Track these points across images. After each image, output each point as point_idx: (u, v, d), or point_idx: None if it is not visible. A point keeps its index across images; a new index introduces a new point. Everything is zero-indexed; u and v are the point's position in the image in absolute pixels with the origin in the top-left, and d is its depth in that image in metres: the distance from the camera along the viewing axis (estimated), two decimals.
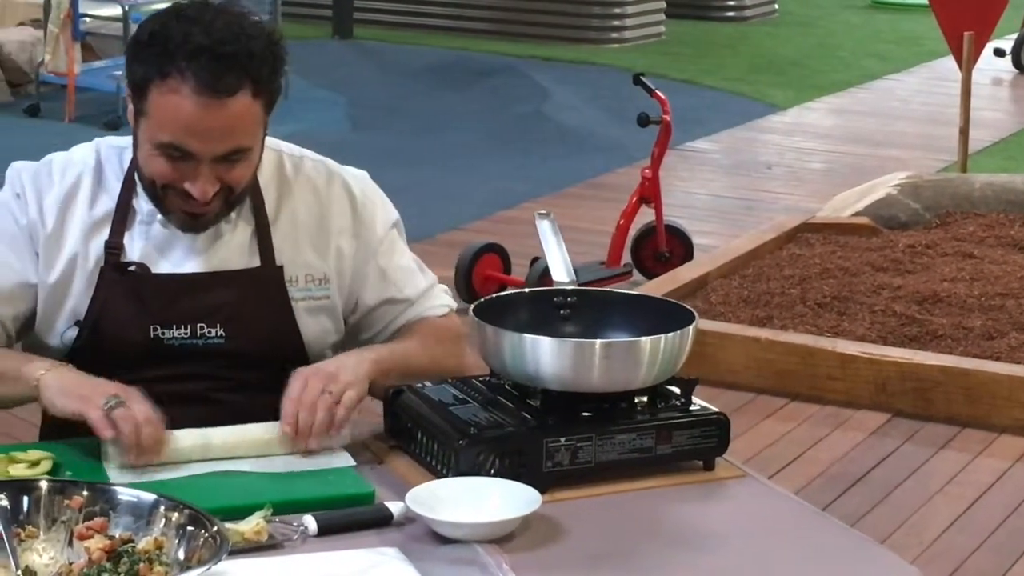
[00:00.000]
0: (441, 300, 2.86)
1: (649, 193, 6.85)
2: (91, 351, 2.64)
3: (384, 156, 9.10)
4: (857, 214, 7.42)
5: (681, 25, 14.54)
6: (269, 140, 2.75)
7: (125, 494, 2.11)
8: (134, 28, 9.77)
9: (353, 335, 2.81)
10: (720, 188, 8.97)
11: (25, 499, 2.08)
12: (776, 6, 16.34)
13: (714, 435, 2.57)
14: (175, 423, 2.51)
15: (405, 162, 9.00)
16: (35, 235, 2.66)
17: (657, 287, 6.36)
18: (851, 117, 11.14)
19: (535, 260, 6.46)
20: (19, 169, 2.71)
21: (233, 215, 2.68)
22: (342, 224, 2.76)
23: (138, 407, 2.46)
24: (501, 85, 11.20)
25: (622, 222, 6.82)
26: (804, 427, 5.44)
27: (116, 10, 9.73)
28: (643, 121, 6.70)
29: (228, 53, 2.49)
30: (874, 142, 10.22)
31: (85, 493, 2.11)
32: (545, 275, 6.27)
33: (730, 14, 15.71)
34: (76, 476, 2.38)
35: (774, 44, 14.30)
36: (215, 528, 2.04)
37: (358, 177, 2.84)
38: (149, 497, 2.10)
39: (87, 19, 9.92)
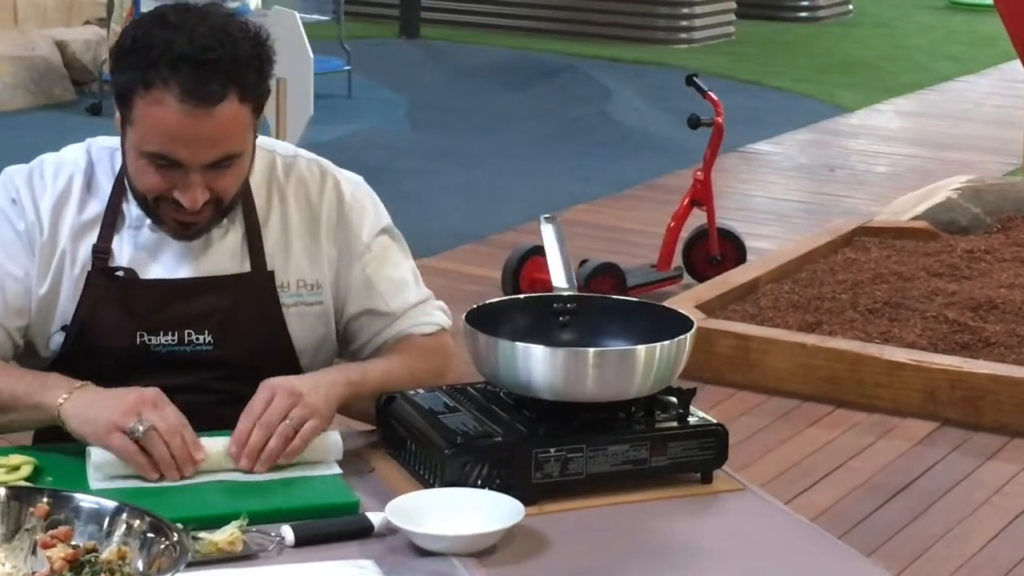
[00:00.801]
0: (431, 318, 2.75)
1: (701, 196, 6.76)
2: (77, 357, 2.59)
3: (442, 156, 9.06)
4: (916, 218, 7.31)
5: (752, 25, 14.43)
6: (263, 140, 2.70)
7: (87, 501, 2.06)
8: None
9: (339, 345, 2.76)
10: (779, 191, 8.86)
11: None
12: (851, 6, 16.19)
13: (712, 447, 2.50)
14: None
15: (462, 162, 8.96)
16: (33, 240, 2.62)
17: (706, 291, 6.28)
18: (919, 119, 11.00)
19: (583, 263, 6.39)
20: (11, 174, 2.66)
21: (224, 220, 2.63)
22: (330, 228, 2.70)
23: (163, 421, 2.40)
24: (563, 85, 11.13)
25: (673, 224, 6.75)
26: (849, 435, 5.34)
27: None
28: (694, 123, 6.62)
29: (211, 60, 2.43)
30: (941, 145, 10.07)
31: (48, 500, 2.05)
32: (591, 278, 6.22)
33: (803, 14, 15.58)
34: (57, 482, 2.36)
35: (846, 45, 14.15)
36: (175, 537, 1.99)
37: (351, 180, 2.78)
38: (110, 504, 2.05)
39: None
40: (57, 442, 2.54)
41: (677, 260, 6.81)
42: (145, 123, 2.47)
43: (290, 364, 2.64)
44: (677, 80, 6.90)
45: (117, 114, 2.54)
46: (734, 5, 14.11)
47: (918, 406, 5.48)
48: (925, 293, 6.30)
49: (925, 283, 6.43)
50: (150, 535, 2.01)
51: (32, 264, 2.61)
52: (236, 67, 2.46)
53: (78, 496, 2.07)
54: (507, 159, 9.11)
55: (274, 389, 2.47)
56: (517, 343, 2.44)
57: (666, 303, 5.96)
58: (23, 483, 2.34)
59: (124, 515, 2.04)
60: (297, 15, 5.91)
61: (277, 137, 6.02)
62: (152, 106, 2.45)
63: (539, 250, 6.55)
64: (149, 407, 2.40)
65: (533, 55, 12.33)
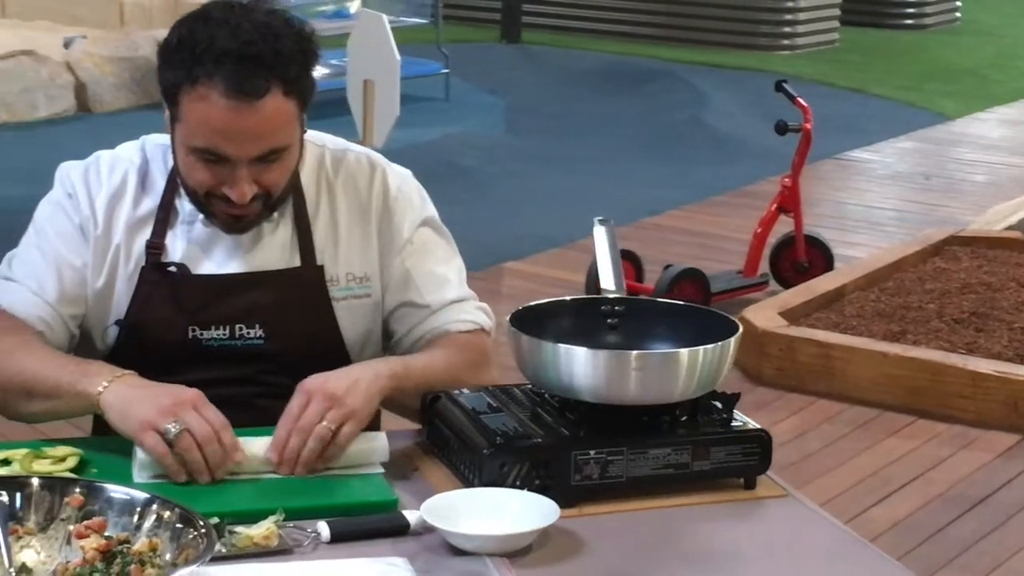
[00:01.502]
0: (469, 316, 2.75)
1: (788, 202, 6.72)
2: (131, 351, 2.63)
3: (535, 160, 9.07)
4: (1010, 228, 7.21)
5: (857, 33, 14.32)
6: (313, 134, 2.72)
7: (119, 492, 2.08)
8: None
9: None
10: (874, 199, 8.78)
11: (19, 496, 2.06)
12: (958, 14, 16.00)
13: (755, 452, 2.48)
14: None
15: (555, 166, 8.96)
16: (87, 234, 2.66)
17: (791, 298, 6.25)
18: (1021, 128, 10.84)
19: (667, 267, 6.37)
20: (68, 169, 2.71)
21: (275, 214, 2.65)
22: (379, 220, 2.72)
23: (199, 425, 2.39)
24: (660, 91, 11.09)
25: (759, 230, 6.71)
26: (929, 446, 5.28)
27: None
28: (781, 128, 6.58)
29: (254, 55, 2.46)
30: None
31: (81, 491, 2.08)
32: (674, 283, 6.20)
33: (909, 22, 15.42)
34: (101, 474, 2.38)
35: (952, 53, 13.99)
36: (204, 528, 2.01)
37: (399, 173, 2.79)
38: (141, 496, 2.07)
39: None
40: (115, 434, 2.57)
41: (764, 267, 6.77)
42: (191, 119, 2.50)
43: (340, 357, 2.66)
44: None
45: (166, 111, 2.57)
46: (838, 12, 13.99)
47: (1001, 418, 5.41)
48: (1014, 304, 6.22)
49: (1014, 294, 6.34)
50: (179, 526, 2.03)
51: (88, 255, 2.65)
52: (279, 61, 2.48)
53: (110, 487, 2.10)
54: (601, 164, 9.10)
55: (310, 393, 2.46)
56: (559, 344, 2.44)
57: (748, 309, 6.02)
58: (66, 474, 2.36)
59: (155, 506, 2.06)
60: (384, 18, 5.94)
61: (364, 137, 6.06)
62: (197, 102, 2.48)
63: (625, 254, 6.56)
64: (187, 408, 2.40)
65: (633, 60, 12.31)
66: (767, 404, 5.55)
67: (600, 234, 2.79)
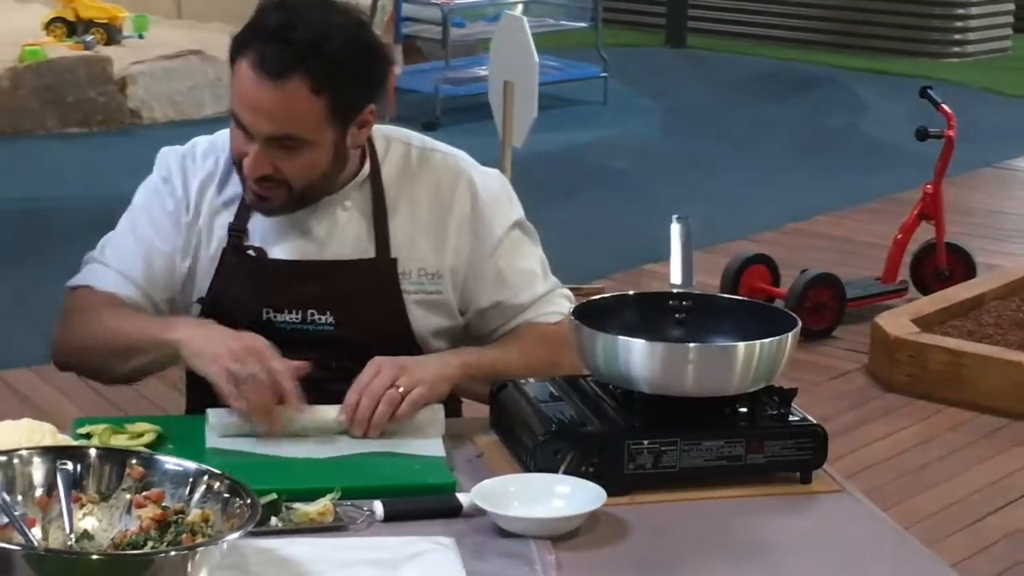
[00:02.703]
0: (557, 307, 2.84)
1: (929, 209, 6.67)
2: None
3: (686, 164, 9.08)
4: None
5: None
6: (399, 132, 2.82)
7: (171, 463, 2.18)
8: (453, 31, 10.05)
9: (468, 335, 2.85)
10: None
11: (80, 466, 2.17)
12: None
13: (810, 447, 2.51)
14: None
15: (709, 171, 8.96)
16: (179, 218, 2.78)
17: (926, 305, 6.21)
18: None
19: (803, 272, 6.37)
20: (166, 154, 2.84)
21: (350, 204, 2.75)
22: (461, 222, 2.79)
23: (264, 373, 2.51)
24: (820, 97, 11.01)
25: (899, 237, 6.66)
26: None
27: (437, 13, 9.95)
28: (922, 135, 6.53)
29: (288, 39, 2.57)
30: None
31: (139, 463, 2.19)
32: (808, 288, 6.20)
33: None
34: (177, 449, 2.49)
35: None
36: (249, 499, 2.10)
37: (488, 175, 2.86)
38: (192, 466, 2.18)
39: (409, 22, 10.18)
40: (206, 405, 2.65)
41: (904, 274, 6.72)
42: (233, 85, 2.64)
43: (409, 349, 2.74)
44: (942, 94, 6.77)
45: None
46: (1011, 19, 13.75)
47: None
48: None
49: None
50: (226, 495, 2.13)
51: (178, 240, 2.77)
52: (311, 56, 2.57)
53: (164, 459, 2.21)
54: (753, 169, 9.08)
55: (380, 364, 2.59)
56: (618, 336, 2.49)
57: (881, 316, 5.99)
58: (134, 447, 2.47)
59: (205, 477, 2.16)
60: (525, 20, 6.02)
61: (503, 139, 6.14)
62: (238, 69, 2.62)
63: (761, 258, 6.58)
64: (255, 356, 2.53)
65: (796, 66, 12.23)
66: (895, 410, 5.52)
67: (675, 230, 2.83)
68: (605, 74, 10.54)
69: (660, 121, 10.30)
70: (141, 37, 10.62)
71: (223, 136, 2.81)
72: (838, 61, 12.48)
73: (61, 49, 9.88)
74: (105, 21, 10.46)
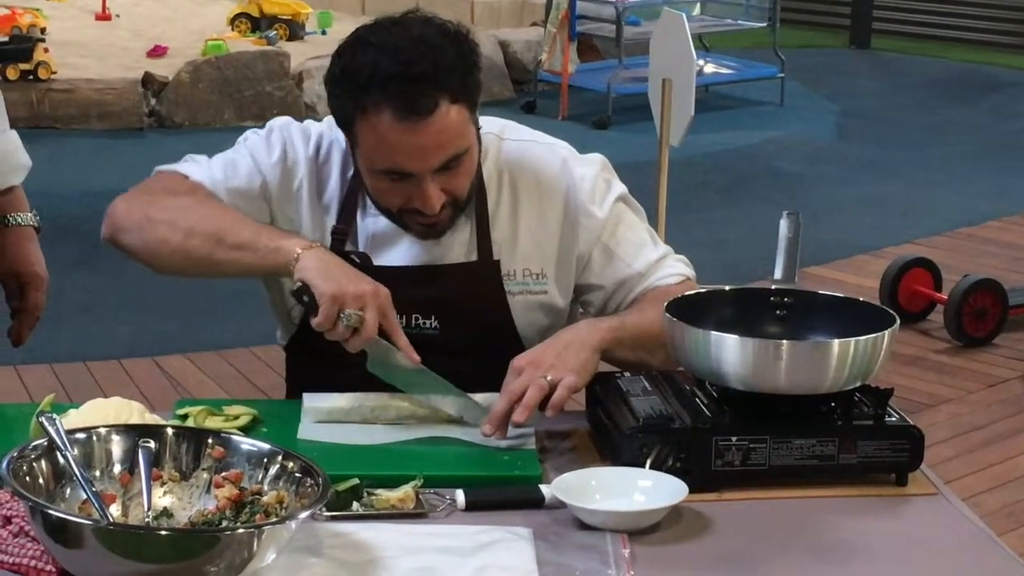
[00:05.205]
0: (675, 269, 2.80)
1: None
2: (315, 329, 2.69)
3: (859, 167, 8.95)
4: None
5: None
6: (493, 122, 2.80)
7: (247, 444, 2.21)
8: (627, 30, 10.02)
9: (585, 313, 2.83)
10: None
11: (161, 445, 2.20)
12: None
13: (905, 449, 2.46)
14: None
15: (882, 174, 8.82)
16: (268, 186, 2.75)
17: None
18: None
19: (965, 276, 6.24)
20: (279, 121, 2.81)
21: None
22: (565, 214, 2.77)
23: (374, 323, 2.51)
24: (1005, 101, 10.77)
25: None
26: None
27: (611, 11, 9.94)
28: None
29: (418, 74, 2.53)
30: None
31: (217, 443, 2.22)
32: (968, 293, 6.07)
33: None
34: (270, 432, 2.52)
35: None
36: (320, 478, 2.12)
37: (587, 161, 2.83)
38: (267, 446, 2.20)
39: (584, 20, 10.17)
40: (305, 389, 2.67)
41: None
42: (368, 145, 2.59)
43: (514, 350, 2.69)
44: None
45: (344, 137, 2.69)
46: None
47: None
48: None
49: None
50: (298, 475, 2.15)
51: (260, 203, 2.75)
52: (442, 74, 2.55)
53: (240, 439, 2.23)
54: (928, 173, 8.91)
55: (522, 367, 2.56)
56: (711, 331, 2.46)
57: None
58: (228, 429, 2.50)
59: (280, 457, 2.19)
60: (684, 17, 5.96)
61: (660, 137, 6.10)
62: (371, 129, 2.57)
63: (921, 262, 6.46)
64: (372, 302, 2.52)
65: (984, 68, 11.98)
66: None
67: (783, 225, 2.81)
68: (782, 74, 10.42)
69: (836, 123, 10.16)
70: (324, 33, 10.79)
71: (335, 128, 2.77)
72: None
73: (243, 44, 10.07)
74: (288, 17, 10.66)
